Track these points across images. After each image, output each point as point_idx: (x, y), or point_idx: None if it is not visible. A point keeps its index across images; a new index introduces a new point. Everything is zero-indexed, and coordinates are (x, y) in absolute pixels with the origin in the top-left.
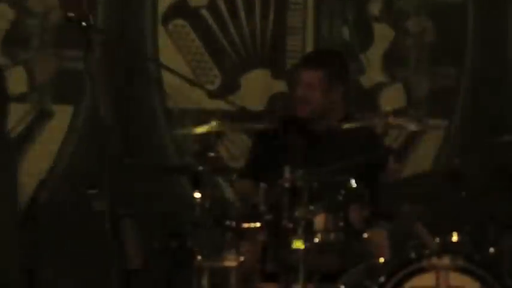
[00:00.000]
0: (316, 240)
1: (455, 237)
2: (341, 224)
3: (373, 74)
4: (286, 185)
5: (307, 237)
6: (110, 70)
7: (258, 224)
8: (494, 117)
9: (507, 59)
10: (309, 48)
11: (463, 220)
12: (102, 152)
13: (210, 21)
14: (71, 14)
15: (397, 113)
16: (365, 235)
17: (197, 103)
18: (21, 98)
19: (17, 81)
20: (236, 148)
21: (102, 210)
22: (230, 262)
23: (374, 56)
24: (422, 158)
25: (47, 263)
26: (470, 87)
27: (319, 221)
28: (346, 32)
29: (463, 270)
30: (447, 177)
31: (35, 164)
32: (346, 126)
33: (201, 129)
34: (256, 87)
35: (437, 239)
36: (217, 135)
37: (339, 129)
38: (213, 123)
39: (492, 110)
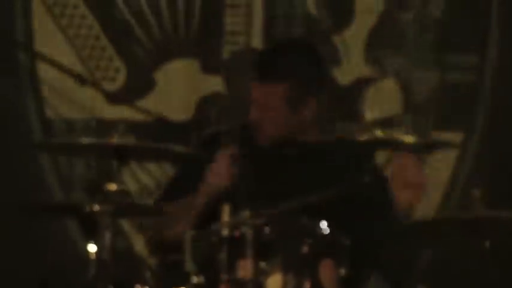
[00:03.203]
0: None
1: None
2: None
3: (352, 65)
4: (225, 231)
5: None
6: None
7: None
8: None
9: None
10: (257, 27)
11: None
12: None
13: None
14: None
15: (387, 122)
16: None
17: (90, 111)
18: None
19: None
20: (150, 178)
21: None
22: None
23: (354, 38)
24: (427, 192)
25: None
26: (497, 85)
27: (274, 284)
28: (312, 3)
29: None
30: (465, 223)
31: None
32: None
33: (97, 150)
34: (179, 86)
35: None
36: (120, 158)
37: (305, 149)
38: (114, 140)
39: None
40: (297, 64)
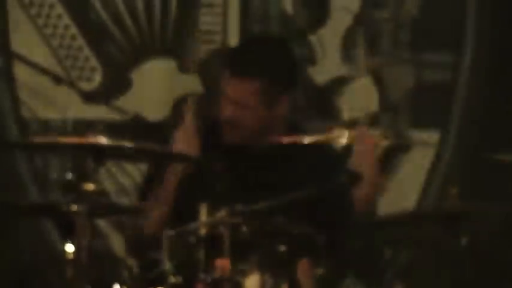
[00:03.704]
0: None
1: None
2: (284, 287)
3: (329, 64)
4: (202, 231)
5: None
6: None
7: None
8: (508, 126)
9: None
10: (233, 27)
11: (463, 277)
12: None
13: None
14: None
15: (364, 121)
16: None
17: (66, 111)
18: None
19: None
20: (126, 177)
21: None
22: None
23: (330, 37)
24: (404, 190)
25: None
26: (473, 83)
27: (251, 283)
28: (288, 2)
29: None
30: (440, 219)
31: None
32: (290, 140)
33: (73, 149)
34: (156, 86)
35: None
36: (97, 158)
37: (279, 149)
38: (91, 140)
39: (505, 116)
40: (270, 60)
